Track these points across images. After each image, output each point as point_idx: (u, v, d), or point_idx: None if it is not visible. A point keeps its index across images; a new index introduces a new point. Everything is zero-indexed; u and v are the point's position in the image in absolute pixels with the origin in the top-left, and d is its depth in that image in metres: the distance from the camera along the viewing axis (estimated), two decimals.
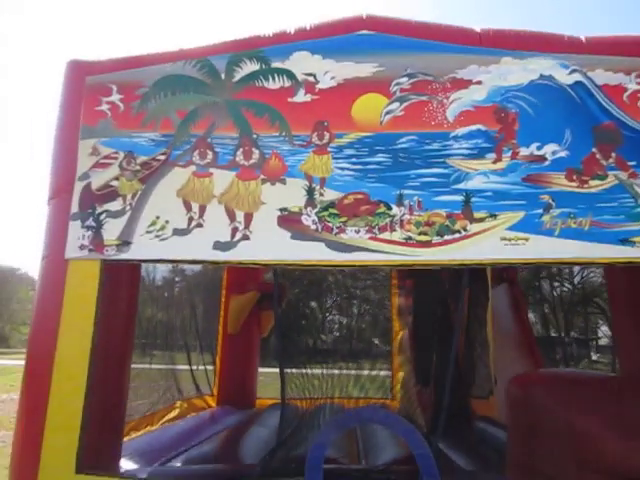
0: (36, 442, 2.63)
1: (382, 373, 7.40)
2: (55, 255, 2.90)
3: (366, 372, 7.04)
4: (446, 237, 2.84)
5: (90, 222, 2.91)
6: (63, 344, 2.74)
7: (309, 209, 2.91)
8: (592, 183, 2.84)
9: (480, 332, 4.71)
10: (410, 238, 2.84)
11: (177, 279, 5.71)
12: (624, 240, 2.76)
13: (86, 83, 3.10)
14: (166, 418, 4.99)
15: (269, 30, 3.22)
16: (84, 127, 3.04)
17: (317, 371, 5.83)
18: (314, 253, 2.87)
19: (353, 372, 6.67)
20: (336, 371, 5.62)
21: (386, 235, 2.86)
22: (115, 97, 3.07)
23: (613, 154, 2.86)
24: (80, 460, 2.61)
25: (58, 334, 2.75)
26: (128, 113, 3.05)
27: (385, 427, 2.74)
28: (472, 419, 4.51)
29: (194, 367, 6.18)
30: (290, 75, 3.06)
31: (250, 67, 3.09)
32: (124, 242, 2.89)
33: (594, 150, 2.88)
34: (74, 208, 2.93)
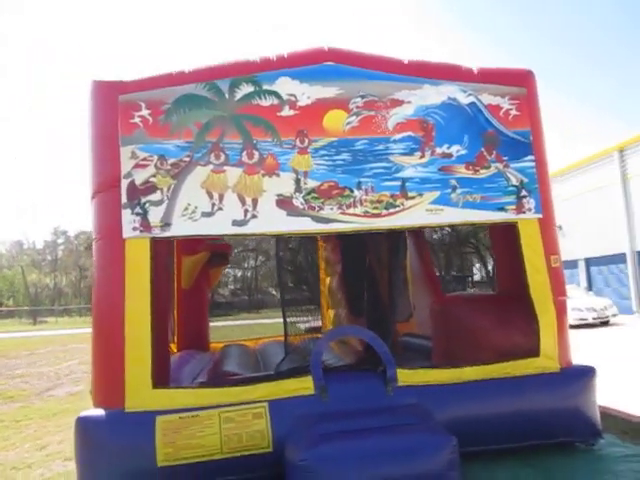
0: (120, 370, 3.68)
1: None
2: (112, 236, 3.85)
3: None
4: (390, 210, 4.20)
5: (138, 210, 3.88)
6: (130, 301, 3.74)
7: (297, 194, 4.11)
8: (481, 171, 4.35)
9: (400, 274, 6.27)
10: (367, 212, 4.17)
11: None
12: (500, 208, 4.33)
13: (119, 100, 3.97)
14: None
15: (257, 56, 4.28)
16: (123, 136, 3.93)
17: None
18: (303, 225, 4.10)
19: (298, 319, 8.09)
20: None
21: (351, 210, 4.16)
22: (144, 112, 3.98)
23: (494, 152, 4.37)
24: (154, 379, 3.72)
25: (125, 294, 3.75)
26: (156, 125, 3.99)
27: (357, 336, 4.10)
28: (397, 336, 6.11)
29: None
30: (277, 95, 4.17)
31: (247, 89, 4.14)
32: (166, 224, 3.91)
33: (482, 149, 4.37)
34: (123, 199, 3.87)
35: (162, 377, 3.96)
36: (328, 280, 8.41)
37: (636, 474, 3.59)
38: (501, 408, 3.96)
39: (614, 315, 15.79)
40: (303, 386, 3.86)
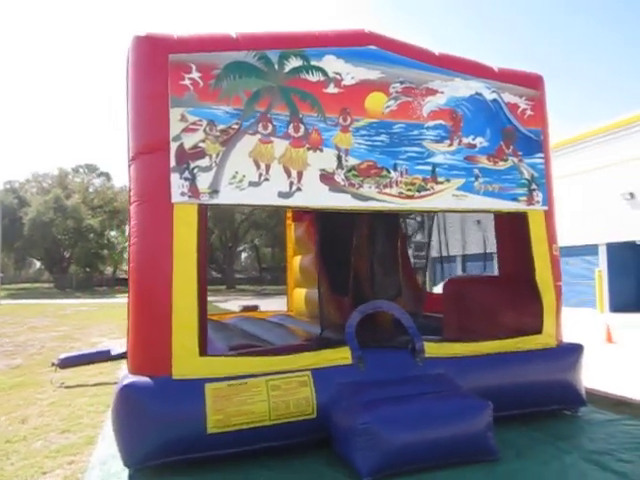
0: (166, 337, 3.60)
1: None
2: (158, 200, 3.72)
3: None
4: (422, 193, 4.45)
5: (186, 174, 3.77)
6: (179, 266, 3.65)
7: (339, 170, 4.21)
8: (500, 163, 4.71)
9: (390, 252, 6.56)
10: (402, 193, 4.38)
11: None
12: (514, 199, 4.73)
13: (169, 60, 3.81)
14: None
15: (303, 30, 4.29)
16: (173, 97, 3.78)
17: None
18: (343, 201, 4.22)
19: None
20: None
21: (387, 190, 4.34)
22: (195, 75, 3.86)
23: (511, 146, 4.76)
24: (200, 348, 3.69)
25: (173, 260, 3.66)
26: (207, 89, 3.88)
27: (388, 311, 4.32)
28: None
29: None
30: (324, 72, 4.22)
31: (295, 62, 4.15)
32: (214, 191, 3.84)
33: (501, 143, 4.73)
34: (172, 163, 3.74)
35: (203, 345, 3.91)
36: (298, 259, 8.50)
37: (624, 435, 4.16)
38: (513, 379, 4.38)
39: None
40: (341, 356, 4.01)
